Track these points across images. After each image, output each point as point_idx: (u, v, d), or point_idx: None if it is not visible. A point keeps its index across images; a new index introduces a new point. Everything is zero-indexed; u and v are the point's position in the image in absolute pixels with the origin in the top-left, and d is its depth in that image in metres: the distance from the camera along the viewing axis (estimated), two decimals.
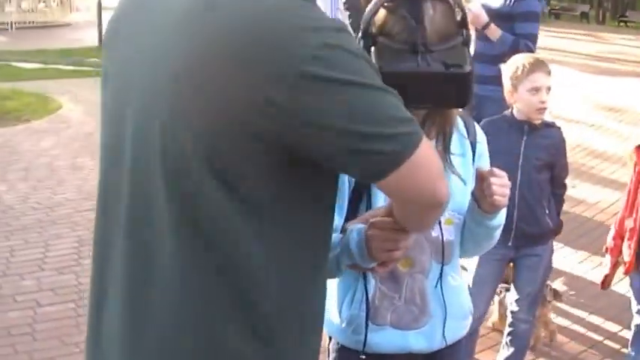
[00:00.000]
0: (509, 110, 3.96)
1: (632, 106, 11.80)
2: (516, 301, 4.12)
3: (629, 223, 3.74)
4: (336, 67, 1.43)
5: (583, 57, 15.10)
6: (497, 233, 2.32)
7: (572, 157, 8.09)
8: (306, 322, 1.69)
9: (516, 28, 5.58)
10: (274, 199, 1.53)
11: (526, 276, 4.07)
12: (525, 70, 3.79)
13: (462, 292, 2.38)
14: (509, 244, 3.95)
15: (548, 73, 3.83)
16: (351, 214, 2.19)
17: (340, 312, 2.30)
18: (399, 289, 2.25)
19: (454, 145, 2.25)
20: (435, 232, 2.22)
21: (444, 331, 2.30)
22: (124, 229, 1.63)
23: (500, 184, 2.11)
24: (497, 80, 4.16)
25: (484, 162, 2.35)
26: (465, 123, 2.32)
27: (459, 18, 2.06)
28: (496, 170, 2.13)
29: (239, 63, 1.43)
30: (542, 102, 3.81)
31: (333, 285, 2.30)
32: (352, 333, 2.28)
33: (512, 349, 4.15)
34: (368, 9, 2.06)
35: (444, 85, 1.97)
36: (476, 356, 4.46)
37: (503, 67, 4.03)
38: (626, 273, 3.82)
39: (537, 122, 3.88)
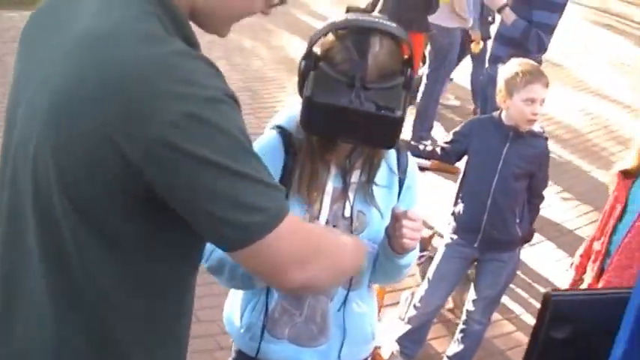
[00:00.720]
0: (498, 112, 3.88)
1: None
2: (474, 301, 4.10)
3: (596, 246, 3.70)
4: (194, 141, 1.37)
5: None
6: (407, 270, 2.30)
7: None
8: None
9: (534, 16, 5.44)
10: (134, 237, 1.51)
11: (487, 279, 4.04)
12: (524, 80, 3.70)
13: (365, 319, 2.36)
14: (475, 245, 3.93)
15: (546, 85, 3.74)
16: None
17: (242, 317, 2.33)
18: (300, 307, 2.27)
19: (380, 177, 2.23)
20: None
21: (340, 354, 2.30)
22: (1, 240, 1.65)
23: (412, 228, 2.08)
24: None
25: (410, 197, 2.30)
26: (398, 155, 2.27)
27: (406, 56, 2.03)
28: (411, 213, 2.09)
29: (100, 111, 1.39)
30: (535, 114, 3.73)
31: (240, 291, 2.34)
32: (249, 340, 2.32)
33: (462, 346, 4.16)
34: (318, 29, 2.04)
35: (372, 125, 1.95)
36: (429, 342, 4.49)
37: (500, 67, 3.95)
38: None
39: (524, 130, 3.80)
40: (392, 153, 2.24)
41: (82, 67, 1.43)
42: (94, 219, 1.48)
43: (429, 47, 7.15)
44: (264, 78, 8.43)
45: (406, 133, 6.92)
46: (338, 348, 2.29)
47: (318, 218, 2.17)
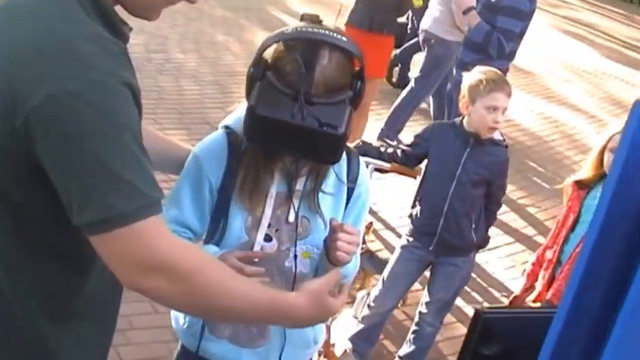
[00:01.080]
0: (460, 118, 3.93)
1: None
2: (426, 303, 4.14)
3: (548, 254, 3.75)
4: (69, 118, 1.41)
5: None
6: (348, 280, 2.30)
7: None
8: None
9: (498, 21, 5.55)
10: (36, 204, 1.56)
11: (441, 283, 4.09)
12: (487, 87, 3.74)
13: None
14: (431, 248, 3.97)
15: (509, 94, 3.79)
16: (211, 229, 2.22)
17: (185, 315, 2.34)
18: None
19: (328, 184, 2.22)
20: (288, 263, 2.22)
21: (280, 356, 2.31)
22: None
23: (348, 242, 2.08)
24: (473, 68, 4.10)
25: (359, 206, 2.30)
26: (349, 162, 2.26)
27: (357, 68, 2.03)
28: (347, 226, 2.09)
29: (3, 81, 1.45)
30: (496, 122, 3.77)
31: None
32: (191, 336, 2.34)
33: (413, 347, 4.20)
34: (268, 37, 2.03)
35: (315, 141, 1.95)
36: (382, 342, 4.53)
37: (465, 74, 3.99)
38: (534, 301, 3.84)
39: (484, 137, 3.84)
40: (342, 160, 2.20)
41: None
42: None
43: (425, 54, 7.20)
44: (234, 72, 8.42)
45: (373, 133, 6.98)
46: (278, 351, 2.30)
47: (260, 222, 2.17)
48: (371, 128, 6.88)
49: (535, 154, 8.03)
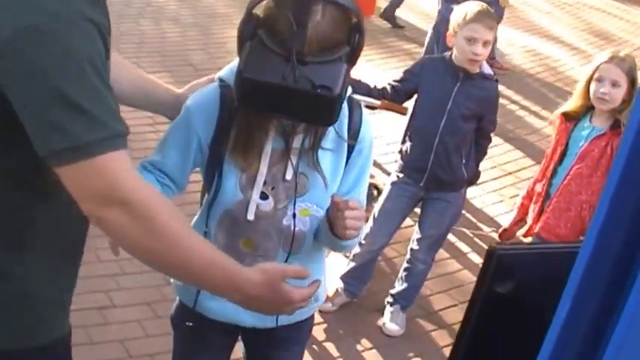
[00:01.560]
0: (449, 53, 3.88)
1: None
2: (418, 240, 4.13)
3: (538, 187, 3.75)
4: (31, 51, 1.45)
5: None
6: (351, 247, 2.26)
7: None
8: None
9: None
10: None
11: (432, 218, 4.07)
12: (467, 19, 3.71)
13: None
14: (421, 184, 3.95)
15: (490, 27, 3.75)
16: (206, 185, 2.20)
17: None
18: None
19: (327, 139, 2.13)
20: (286, 221, 2.17)
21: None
22: None
23: (354, 217, 2.02)
24: None
25: (361, 164, 2.22)
26: (350, 117, 2.15)
27: (354, 21, 1.92)
28: (352, 202, 2.01)
29: None
30: (475, 54, 3.73)
31: None
32: (187, 292, 2.31)
33: (405, 285, 4.20)
34: None
35: (308, 103, 1.86)
36: (373, 281, 4.52)
37: (454, 7, 3.95)
38: (525, 235, 3.85)
39: (474, 71, 3.80)
40: (343, 115, 2.11)
41: None
42: None
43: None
44: (214, 14, 8.32)
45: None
46: None
47: (255, 180, 2.11)
48: (361, 70, 6.79)
49: (519, 88, 8.00)
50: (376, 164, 5.70)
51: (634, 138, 0.87)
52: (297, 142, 2.09)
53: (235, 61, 2.03)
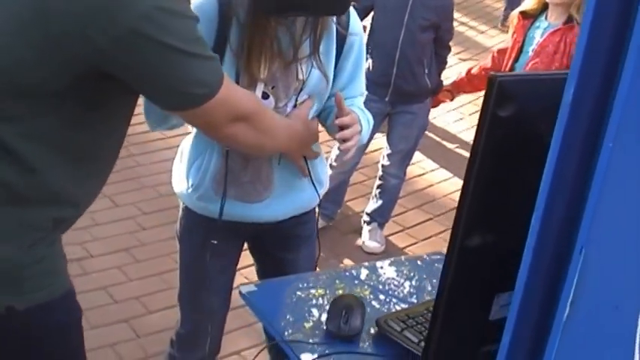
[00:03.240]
0: None
1: None
2: (388, 155, 4.16)
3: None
4: (163, 30, 1.58)
5: None
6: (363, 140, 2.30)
7: None
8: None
9: None
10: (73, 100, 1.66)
11: (400, 132, 4.09)
12: None
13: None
14: (386, 99, 3.97)
15: None
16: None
17: (187, 177, 2.33)
18: (245, 168, 2.27)
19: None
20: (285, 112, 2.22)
21: (293, 200, 2.34)
22: None
23: (350, 134, 2.13)
24: None
25: (355, 55, 2.30)
26: (338, 19, 2.24)
27: None
28: (346, 119, 2.12)
29: (76, 12, 1.53)
30: None
31: (185, 149, 2.36)
32: (197, 199, 2.33)
33: (380, 202, 4.23)
34: None
35: None
36: (347, 204, 4.56)
37: None
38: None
39: None
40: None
41: None
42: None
43: None
44: None
45: None
46: (285, 199, 2.32)
47: (256, 81, 2.17)
48: None
49: (465, 10, 8.03)
50: None
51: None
52: (300, 54, 2.17)
53: None
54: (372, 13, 3.97)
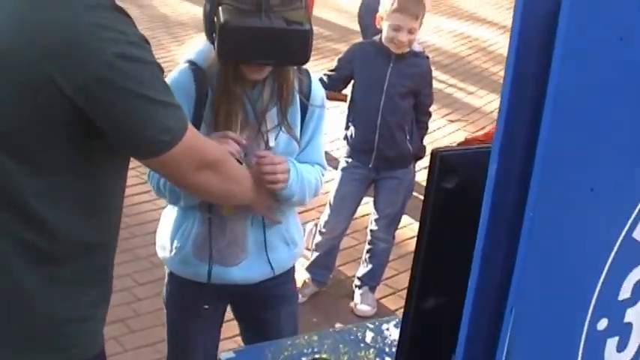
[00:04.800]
0: (379, 36, 4.02)
1: None
2: (376, 220, 4.24)
3: None
4: (124, 77, 1.64)
5: None
6: (288, 199, 2.40)
7: None
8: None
9: None
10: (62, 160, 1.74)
11: (386, 197, 4.19)
12: (393, 7, 3.87)
13: (280, 227, 2.47)
14: (370, 165, 4.07)
15: (416, 16, 3.90)
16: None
17: (171, 242, 2.45)
18: (223, 231, 2.39)
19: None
20: None
21: (269, 261, 2.45)
22: None
23: (269, 172, 2.28)
24: None
25: (314, 125, 2.44)
26: (299, 87, 2.39)
27: None
28: (268, 158, 2.28)
29: (45, 62, 1.61)
30: (400, 41, 3.90)
31: (170, 215, 2.49)
32: (179, 263, 2.46)
33: (370, 266, 4.31)
34: None
35: (285, 42, 2.12)
36: (339, 269, 4.62)
37: None
38: None
39: (403, 52, 3.95)
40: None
41: (26, 29, 1.64)
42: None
43: None
44: None
45: None
46: (263, 258, 2.43)
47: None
48: None
49: (453, 72, 8.17)
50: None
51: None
52: (269, 124, 2.33)
53: (197, 44, 2.31)
54: (352, 82, 4.09)
